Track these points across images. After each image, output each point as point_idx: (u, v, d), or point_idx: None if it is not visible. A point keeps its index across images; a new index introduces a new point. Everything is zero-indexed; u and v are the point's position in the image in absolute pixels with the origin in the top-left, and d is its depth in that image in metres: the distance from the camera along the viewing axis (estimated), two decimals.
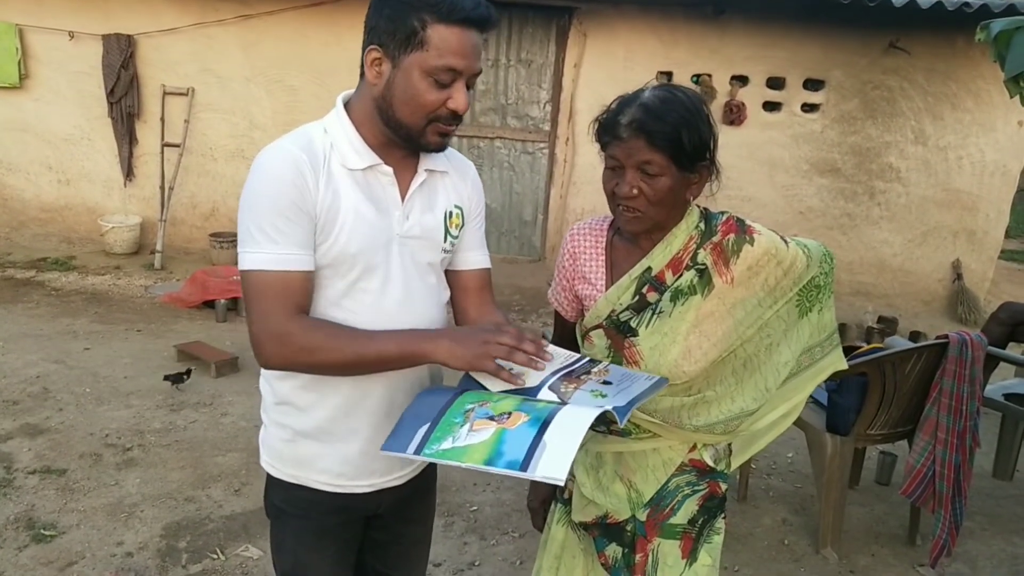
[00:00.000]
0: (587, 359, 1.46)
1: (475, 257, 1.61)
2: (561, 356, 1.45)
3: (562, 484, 1.10)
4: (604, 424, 1.65)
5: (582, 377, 1.38)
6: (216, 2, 6.44)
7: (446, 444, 1.19)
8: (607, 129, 1.49)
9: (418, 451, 1.20)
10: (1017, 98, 3.05)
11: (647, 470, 1.65)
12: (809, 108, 6.62)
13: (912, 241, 6.82)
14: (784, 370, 1.63)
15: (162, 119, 6.66)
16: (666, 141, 1.43)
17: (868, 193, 6.75)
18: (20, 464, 3.38)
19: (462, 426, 1.21)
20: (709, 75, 6.50)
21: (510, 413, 1.22)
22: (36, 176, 6.87)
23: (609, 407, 1.24)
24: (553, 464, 1.11)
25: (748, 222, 1.59)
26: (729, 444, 1.73)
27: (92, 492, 3.22)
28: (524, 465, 1.11)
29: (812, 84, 6.58)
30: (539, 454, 1.12)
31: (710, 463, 1.67)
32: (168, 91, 6.65)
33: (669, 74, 6.54)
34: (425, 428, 1.23)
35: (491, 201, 6.98)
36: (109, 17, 6.47)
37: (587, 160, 6.64)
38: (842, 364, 1.73)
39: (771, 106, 6.61)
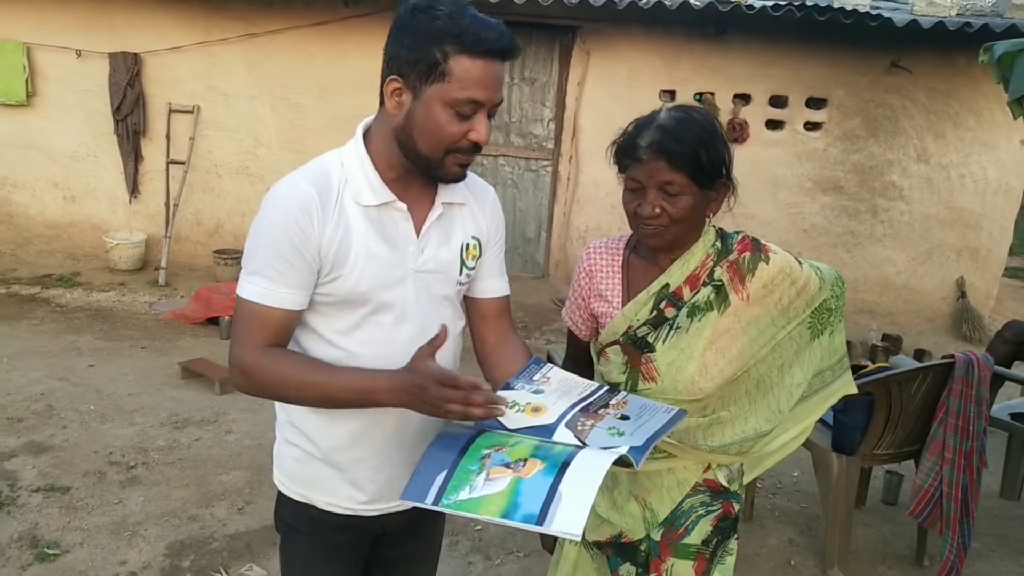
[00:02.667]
0: (605, 389, 1.45)
1: (494, 285, 1.61)
2: (579, 386, 1.44)
3: (578, 539, 1.11)
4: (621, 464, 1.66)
5: (599, 412, 1.37)
6: (221, 21, 6.49)
7: (463, 494, 1.19)
8: (626, 152, 1.52)
9: (436, 502, 1.20)
10: (1020, 118, 3.06)
11: (662, 490, 1.66)
12: (812, 126, 6.65)
13: (915, 259, 6.82)
14: (796, 392, 1.66)
15: (167, 136, 6.69)
16: (686, 161, 1.46)
17: (871, 211, 6.76)
18: (24, 482, 3.38)
19: (478, 474, 1.22)
20: (712, 93, 6.53)
21: (526, 460, 1.22)
22: (42, 193, 6.90)
23: (625, 449, 1.23)
24: (569, 518, 1.11)
25: (763, 241, 1.63)
26: (741, 464, 1.74)
27: (96, 510, 3.21)
28: (540, 519, 1.12)
29: (814, 102, 6.61)
30: (555, 507, 1.13)
31: (724, 483, 1.69)
32: (174, 109, 6.68)
33: (672, 92, 6.58)
34: (443, 476, 1.23)
35: None
36: (116, 36, 6.51)
37: (590, 178, 6.66)
38: (851, 388, 1.77)
39: (774, 124, 6.63)
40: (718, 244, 1.60)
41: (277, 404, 1.54)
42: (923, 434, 3.01)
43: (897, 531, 3.48)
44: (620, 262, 1.67)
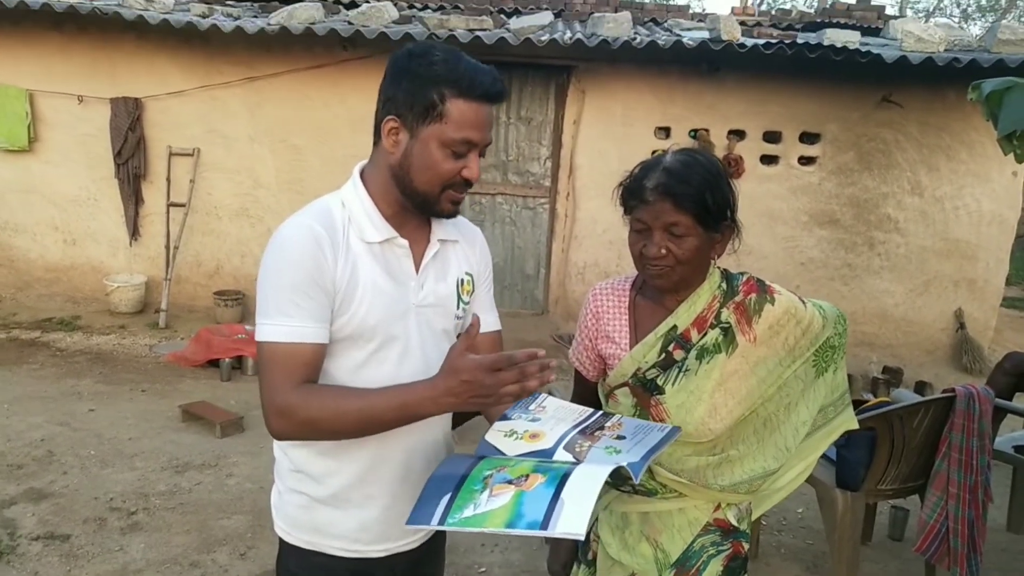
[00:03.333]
0: (600, 413, 1.48)
1: (486, 319, 1.64)
2: (574, 412, 1.47)
3: (582, 539, 1.12)
4: (622, 480, 1.67)
5: (596, 433, 1.40)
6: (221, 65, 6.59)
7: (468, 512, 1.21)
8: (633, 193, 1.55)
9: (441, 522, 1.21)
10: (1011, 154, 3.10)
11: (673, 530, 1.67)
12: (806, 161, 6.72)
13: (913, 291, 6.84)
14: (803, 429, 1.67)
15: (168, 179, 6.75)
16: (691, 202, 1.48)
17: (868, 244, 6.80)
18: (24, 530, 3.35)
19: (482, 492, 1.23)
20: (706, 130, 6.61)
21: (527, 475, 1.24)
22: (42, 237, 6.93)
23: (624, 463, 1.26)
24: (572, 520, 1.13)
25: (768, 282, 1.65)
26: (749, 503, 1.75)
27: (96, 558, 3.18)
28: (544, 524, 1.14)
29: (808, 137, 6.69)
30: (558, 512, 1.15)
31: (734, 522, 1.70)
32: (174, 152, 6.75)
33: (667, 129, 6.65)
34: (447, 498, 1.25)
35: (494, 256, 6.92)
36: (117, 81, 6.60)
37: (588, 214, 6.71)
38: (853, 423, 1.78)
39: (768, 159, 6.70)
40: (723, 285, 1.62)
41: (278, 451, 1.54)
42: (927, 469, 3.00)
43: (904, 567, 3.45)
44: (627, 303, 1.69)
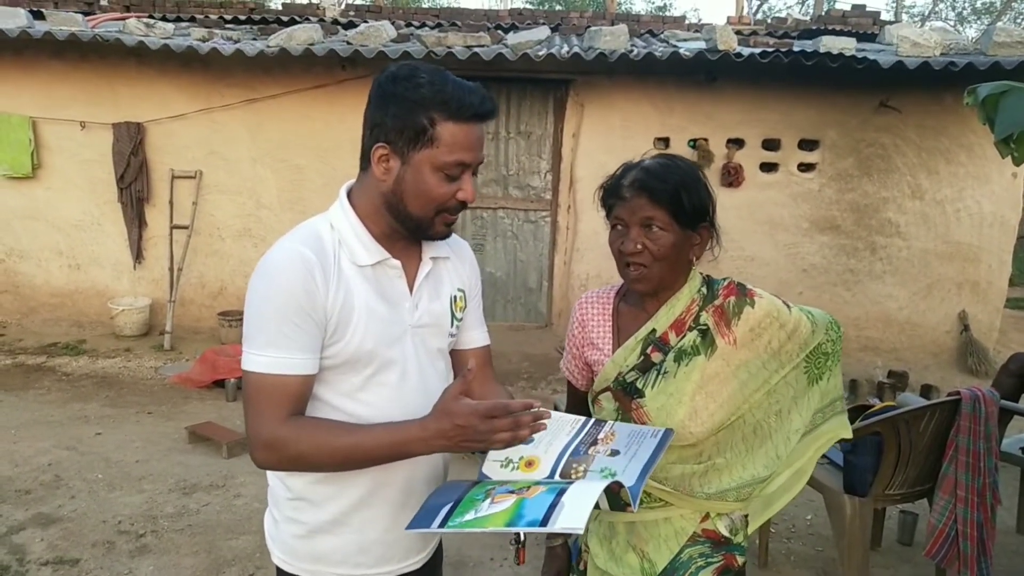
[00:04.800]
0: (592, 422, 1.50)
1: (476, 336, 1.65)
2: (567, 424, 1.49)
3: (581, 533, 1.13)
4: (622, 506, 1.66)
5: (590, 452, 1.41)
6: (222, 88, 6.64)
7: (469, 516, 1.22)
8: (612, 192, 1.59)
9: (442, 525, 1.23)
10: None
11: (659, 539, 1.66)
12: (805, 167, 6.73)
13: (917, 294, 6.84)
14: (795, 437, 1.66)
15: (170, 202, 6.79)
16: (667, 198, 1.52)
17: (869, 248, 6.80)
18: (33, 555, 3.35)
19: (483, 501, 1.25)
20: (705, 139, 6.63)
21: (529, 487, 1.27)
22: (47, 262, 6.97)
23: (621, 477, 1.29)
24: (571, 517, 1.15)
25: (749, 286, 1.66)
26: (745, 515, 1.73)
27: None
28: (543, 522, 1.16)
29: (807, 144, 6.70)
30: (558, 512, 1.17)
31: (725, 534, 1.68)
32: (176, 175, 6.79)
33: (666, 140, 6.68)
34: (448, 506, 1.27)
35: (496, 269, 7.05)
36: (119, 106, 6.66)
37: (589, 227, 6.72)
38: (845, 432, 1.72)
39: (768, 167, 6.71)
40: (703, 290, 1.64)
41: (273, 478, 1.52)
42: (935, 472, 2.99)
43: (915, 572, 3.44)
44: (611, 310, 1.72)
